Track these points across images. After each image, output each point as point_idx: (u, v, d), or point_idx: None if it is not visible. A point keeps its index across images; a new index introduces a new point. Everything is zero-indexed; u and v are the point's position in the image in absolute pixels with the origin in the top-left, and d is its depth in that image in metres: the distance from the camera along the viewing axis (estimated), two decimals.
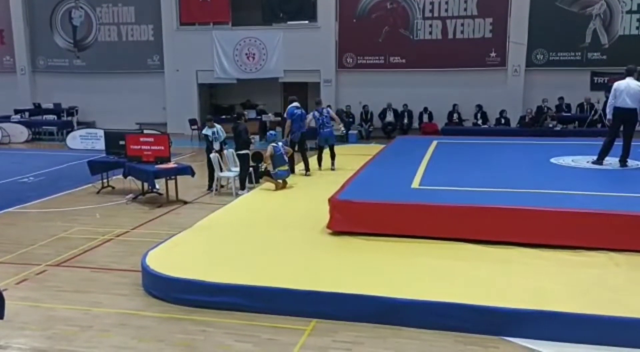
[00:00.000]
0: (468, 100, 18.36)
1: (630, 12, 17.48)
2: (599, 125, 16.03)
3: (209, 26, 20.43)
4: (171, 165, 10.37)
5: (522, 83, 18.36)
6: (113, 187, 11.46)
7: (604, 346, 4.80)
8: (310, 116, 12.32)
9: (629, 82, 9.01)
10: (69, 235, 8.40)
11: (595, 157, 9.50)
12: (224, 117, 19.14)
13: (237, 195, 10.35)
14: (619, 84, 9.10)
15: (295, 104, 11.93)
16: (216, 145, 11.11)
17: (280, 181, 10.10)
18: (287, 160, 10.28)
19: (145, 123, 19.23)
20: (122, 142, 10.93)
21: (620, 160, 9.31)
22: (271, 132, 10.95)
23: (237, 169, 10.86)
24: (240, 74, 20.32)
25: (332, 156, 12.02)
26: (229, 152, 11.20)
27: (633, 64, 9.48)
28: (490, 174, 9.01)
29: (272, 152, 10.12)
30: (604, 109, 13.12)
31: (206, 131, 11.21)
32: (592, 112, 17.02)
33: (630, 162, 9.35)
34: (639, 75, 9.20)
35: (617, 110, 9.08)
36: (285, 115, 12.58)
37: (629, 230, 6.34)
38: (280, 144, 10.38)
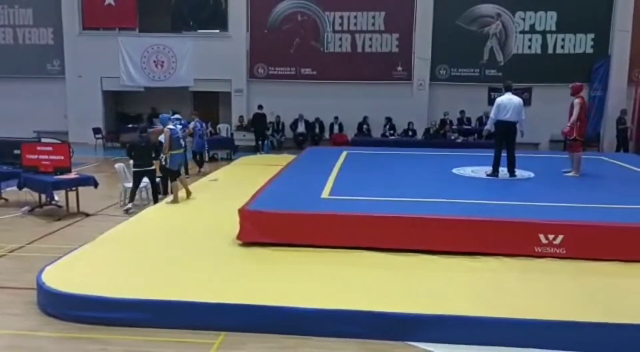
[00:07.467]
0: (377, 112, 18.89)
1: (523, 32, 18.79)
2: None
3: (115, 31, 19.73)
4: (72, 175, 9.90)
5: (427, 96, 19.15)
6: (6, 200, 10.78)
7: (500, 346, 5.05)
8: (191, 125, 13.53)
9: (511, 97, 9.62)
10: None
11: (491, 169, 10.07)
12: (130, 126, 18.54)
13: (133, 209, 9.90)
14: (502, 100, 9.66)
15: (177, 115, 12.76)
16: None
17: (182, 182, 9.79)
18: (183, 145, 9.91)
19: (45, 131, 18.11)
20: (17, 152, 10.32)
21: (508, 171, 9.90)
22: (164, 115, 10.18)
23: (130, 184, 10.31)
24: (149, 82, 19.75)
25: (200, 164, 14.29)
26: (120, 166, 10.63)
27: (511, 81, 10.31)
28: (396, 183, 9.32)
29: (170, 135, 9.52)
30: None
31: None
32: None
33: (519, 172, 9.98)
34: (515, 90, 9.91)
35: (500, 123, 9.66)
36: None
37: (520, 236, 6.77)
38: (178, 126, 9.96)
